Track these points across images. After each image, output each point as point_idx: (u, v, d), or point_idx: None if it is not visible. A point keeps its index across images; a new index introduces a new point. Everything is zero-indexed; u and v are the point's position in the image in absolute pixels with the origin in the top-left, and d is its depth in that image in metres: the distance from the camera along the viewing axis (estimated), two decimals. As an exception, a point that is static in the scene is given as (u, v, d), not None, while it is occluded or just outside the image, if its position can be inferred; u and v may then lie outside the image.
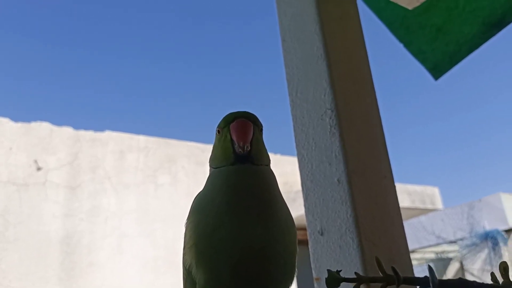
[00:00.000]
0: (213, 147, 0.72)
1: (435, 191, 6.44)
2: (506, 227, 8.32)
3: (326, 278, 0.40)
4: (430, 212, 7.29)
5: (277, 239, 0.63)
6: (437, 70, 1.85)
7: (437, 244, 9.29)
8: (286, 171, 5.37)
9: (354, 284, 0.50)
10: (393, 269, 0.41)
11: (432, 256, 9.74)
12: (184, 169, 5.55)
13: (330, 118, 0.97)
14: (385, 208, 0.94)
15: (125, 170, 5.28)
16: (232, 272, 0.61)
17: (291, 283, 0.68)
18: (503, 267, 0.50)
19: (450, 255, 9.78)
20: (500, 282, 0.47)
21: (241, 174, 0.65)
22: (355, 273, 0.41)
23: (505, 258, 8.23)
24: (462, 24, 1.75)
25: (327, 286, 0.40)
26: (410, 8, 1.63)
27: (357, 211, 0.88)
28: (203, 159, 5.55)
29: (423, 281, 0.39)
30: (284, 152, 6.23)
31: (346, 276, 0.85)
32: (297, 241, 0.70)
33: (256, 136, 0.67)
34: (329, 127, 0.97)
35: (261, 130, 0.71)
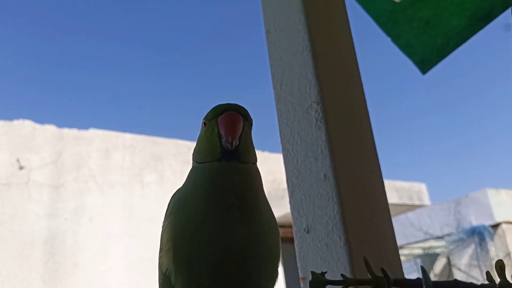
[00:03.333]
0: (198, 140, 0.67)
1: (422, 187, 6.48)
2: (492, 223, 8.41)
3: (310, 281, 0.36)
4: (418, 208, 7.34)
5: (259, 240, 0.60)
6: (425, 64, 1.83)
7: (425, 240, 9.37)
8: (274, 168, 5.34)
9: (340, 286, 0.46)
10: (383, 270, 0.37)
11: (420, 252, 9.82)
12: (171, 167, 5.48)
13: (316, 112, 0.93)
14: (373, 204, 0.91)
15: (111, 168, 5.20)
16: (213, 275, 0.57)
17: (273, 285, 0.64)
18: (499, 266, 0.46)
19: (437, 250, 9.87)
20: (497, 282, 0.44)
21: (226, 172, 0.61)
22: (342, 275, 0.37)
23: (492, 253, 8.31)
24: (450, 17, 1.72)
25: (310, 290, 0.36)
26: (397, 1, 1.60)
27: (344, 207, 0.85)
28: (191, 157, 5.46)
29: (415, 283, 0.35)
30: (272, 149, 6.21)
31: (332, 277, 0.81)
32: (280, 243, 0.66)
33: (245, 131, 0.62)
34: (314, 120, 0.93)
35: (251, 125, 0.66)
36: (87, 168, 5.10)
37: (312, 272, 0.37)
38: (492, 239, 8.44)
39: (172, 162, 5.50)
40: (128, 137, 5.45)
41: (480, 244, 8.47)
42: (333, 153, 0.89)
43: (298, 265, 0.91)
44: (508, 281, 0.43)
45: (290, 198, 0.96)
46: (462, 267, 8.81)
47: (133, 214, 5.14)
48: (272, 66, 1.06)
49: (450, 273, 8.77)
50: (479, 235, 8.49)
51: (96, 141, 5.24)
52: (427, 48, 1.82)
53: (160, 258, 0.62)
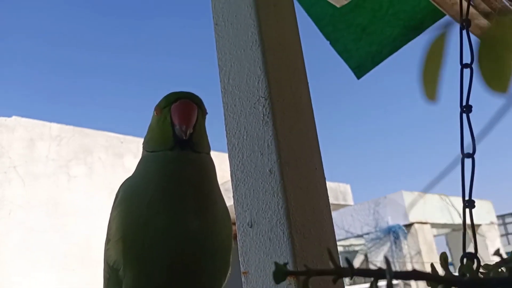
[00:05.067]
0: (149, 129, 0.65)
1: (347, 188, 6.78)
2: (406, 222, 9.02)
3: (273, 272, 0.36)
4: (341, 208, 7.67)
5: (214, 233, 0.59)
6: (360, 69, 1.91)
7: (346, 238, 9.82)
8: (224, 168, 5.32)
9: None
10: (347, 260, 0.37)
11: (341, 249, 10.28)
12: (101, 160, 5.22)
13: (264, 107, 0.93)
14: (316, 200, 0.93)
15: (35, 159, 4.85)
16: (166, 269, 0.55)
17: (226, 278, 0.63)
18: (443, 258, 0.49)
19: (357, 248, 10.39)
20: (440, 274, 0.46)
21: (180, 162, 0.59)
22: (305, 265, 0.37)
23: (405, 251, 8.90)
24: (385, 25, 1.81)
25: (274, 280, 0.36)
26: (338, 6, 1.65)
27: (288, 202, 0.86)
28: (122, 150, 5.28)
29: (378, 272, 0.37)
30: (218, 149, 6.16)
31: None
32: (232, 235, 0.66)
33: (199, 120, 0.61)
34: (262, 115, 0.93)
35: (205, 114, 0.65)
36: (7, 158, 4.72)
37: (275, 263, 0.37)
38: (405, 237, 9.04)
39: (103, 154, 5.24)
40: (55, 126, 5.10)
41: (395, 243, 9.04)
42: (279, 148, 0.89)
43: (240, 259, 0.90)
44: (452, 273, 0.46)
45: (234, 192, 0.95)
46: (378, 264, 9.34)
47: (58, 207, 4.83)
48: (220, 59, 1.05)
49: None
50: (395, 234, 9.05)
51: (19, 130, 4.86)
52: (363, 54, 1.90)
53: (107, 250, 0.59)
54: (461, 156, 0.58)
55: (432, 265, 0.52)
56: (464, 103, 0.62)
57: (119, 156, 5.28)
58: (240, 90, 0.98)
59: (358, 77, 1.94)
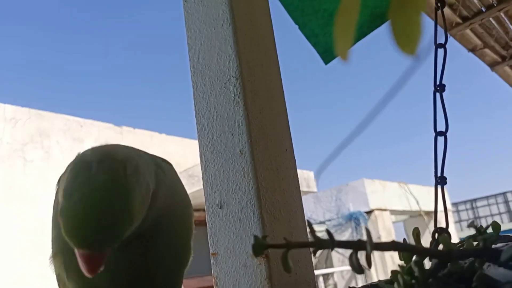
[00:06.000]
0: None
1: (310, 175, 6.87)
2: (367, 209, 9.27)
3: (252, 245, 0.35)
4: (305, 195, 7.78)
5: (171, 231, 0.57)
6: (327, 54, 1.91)
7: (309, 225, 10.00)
8: (169, 151, 5.22)
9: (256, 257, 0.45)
10: (328, 232, 0.37)
11: (303, 236, 10.46)
12: (59, 144, 5.02)
13: (235, 87, 0.91)
14: (286, 181, 0.93)
15: (-15, 143, 4.61)
16: (113, 282, 0.52)
17: (188, 262, 0.62)
18: (416, 233, 0.50)
19: (319, 234, 10.56)
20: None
21: None
22: (284, 238, 0.36)
23: (365, 237, 9.15)
24: (352, 12, 1.82)
25: (253, 253, 0.35)
26: (308, -11, 1.64)
27: (259, 183, 0.85)
28: (82, 134, 5.10)
29: (358, 244, 0.36)
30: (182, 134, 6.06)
31: (245, 252, 0.81)
32: (193, 220, 0.65)
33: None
34: (233, 95, 0.91)
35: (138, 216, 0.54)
36: (-46, 141, 4.48)
37: (255, 236, 0.36)
38: (366, 224, 9.30)
39: (61, 138, 5.04)
40: (9, 108, 4.84)
41: (356, 229, 9.28)
42: (250, 129, 0.88)
43: (209, 241, 0.89)
44: (423, 245, 0.47)
45: (203, 173, 0.93)
46: (340, 249, 9.58)
47: (13, 193, 4.62)
48: (189, 37, 1.02)
49: (329, 254, 9.47)
50: (356, 220, 9.29)
51: (-32, 111, 4.60)
52: (330, 40, 1.90)
53: (50, 261, 0.55)
54: (434, 134, 0.60)
55: (404, 240, 0.52)
56: (438, 82, 0.63)
57: (79, 140, 5.09)
58: (210, 70, 0.96)
59: (326, 63, 1.95)
